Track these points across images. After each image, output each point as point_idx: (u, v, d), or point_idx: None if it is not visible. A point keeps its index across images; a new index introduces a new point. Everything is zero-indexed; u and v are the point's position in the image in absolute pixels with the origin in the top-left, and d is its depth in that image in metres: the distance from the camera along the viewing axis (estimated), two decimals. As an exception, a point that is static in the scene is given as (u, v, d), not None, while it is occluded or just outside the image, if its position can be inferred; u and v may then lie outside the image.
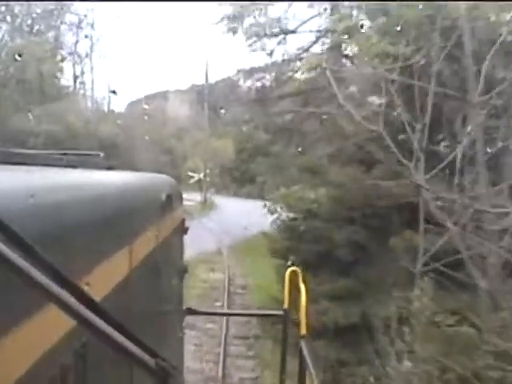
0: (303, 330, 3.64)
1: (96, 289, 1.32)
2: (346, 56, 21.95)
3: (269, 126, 23.52)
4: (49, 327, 1.06)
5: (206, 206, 39.68)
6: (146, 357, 0.93)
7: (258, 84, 21.91)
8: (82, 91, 39.73)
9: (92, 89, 41.91)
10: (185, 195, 4.03)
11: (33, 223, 1.03)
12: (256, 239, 21.08)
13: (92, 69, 42.04)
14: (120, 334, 0.90)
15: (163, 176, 3.46)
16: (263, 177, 24.39)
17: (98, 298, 1.27)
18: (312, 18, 22.29)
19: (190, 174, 42.42)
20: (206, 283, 17.96)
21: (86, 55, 39.15)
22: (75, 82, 39.04)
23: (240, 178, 47.73)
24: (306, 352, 3.32)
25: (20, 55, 28.04)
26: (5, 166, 1.53)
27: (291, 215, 16.37)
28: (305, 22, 22.12)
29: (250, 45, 19.77)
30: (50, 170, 1.81)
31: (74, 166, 2.12)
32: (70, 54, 40.57)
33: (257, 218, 26.61)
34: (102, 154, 2.85)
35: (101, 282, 1.44)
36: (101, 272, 1.43)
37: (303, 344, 3.45)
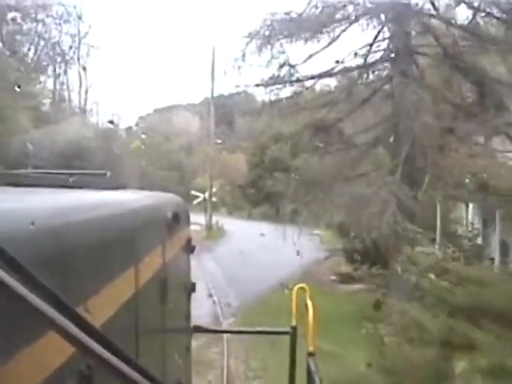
0: (311, 348, 3.43)
1: (102, 310, 1.33)
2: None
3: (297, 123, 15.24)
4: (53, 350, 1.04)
5: (213, 232, 31.13)
6: (144, 382, 0.90)
7: (280, 55, 13.58)
8: (66, 93, 32.27)
9: (80, 92, 34.69)
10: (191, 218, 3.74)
11: (34, 249, 1.01)
12: (283, 297, 12.52)
13: (84, 69, 34.96)
14: (117, 359, 0.87)
15: (169, 195, 3.38)
16: (289, 201, 15.54)
17: (103, 318, 1.33)
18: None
19: (195, 193, 34.13)
20: None
21: (70, 48, 31.91)
22: (55, 82, 31.85)
23: (255, 197, 39.57)
24: (313, 370, 3.19)
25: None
26: (6, 189, 1.54)
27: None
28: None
29: None
30: (54, 191, 1.81)
31: (79, 187, 2.10)
32: (56, 53, 33.45)
33: (280, 253, 18.65)
34: (108, 174, 2.83)
35: (106, 302, 1.42)
36: (106, 293, 1.40)
37: (311, 362, 3.30)
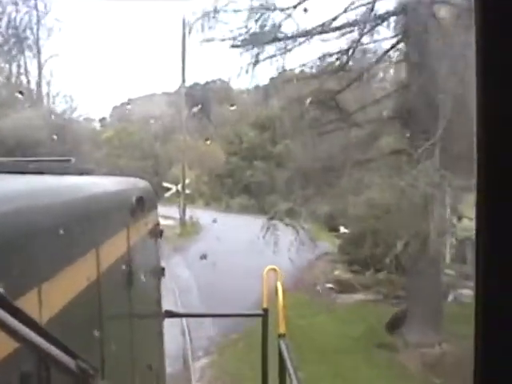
0: (282, 329, 3.43)
1: (59, 293, 1.29)
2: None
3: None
4: None
5: (187, 228, 27.76)
6: (67, 358, 0.87)
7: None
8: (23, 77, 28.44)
9: (39, 79, 30.80)
10: (163, 211, 3.42)
11: None
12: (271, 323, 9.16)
13: (39, 48, 31.06)
14: (39, 337, 0.83)
15: (135, 179, 3.26)
16: (278, 195, 12.12)
17: (62, 301, 1.30)
18: None
19: (166, 185, 30.64)
20: None
21: (26, 28, 28.07)
22: (10, 64, 28.03)
23: (233, 188, 36.33)
24: (284, 351, 3.20)
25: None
26: None
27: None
28: None
29: None
30: (14, 177, 1.74)
31: (41, 173, 2.04)
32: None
33: (264, 253, 15.26)
34: (73, 160, 2.73)
35: (64, 285, 1.36)
36: (63, 276, 1.35)
37: (282, 343, 3.31)
